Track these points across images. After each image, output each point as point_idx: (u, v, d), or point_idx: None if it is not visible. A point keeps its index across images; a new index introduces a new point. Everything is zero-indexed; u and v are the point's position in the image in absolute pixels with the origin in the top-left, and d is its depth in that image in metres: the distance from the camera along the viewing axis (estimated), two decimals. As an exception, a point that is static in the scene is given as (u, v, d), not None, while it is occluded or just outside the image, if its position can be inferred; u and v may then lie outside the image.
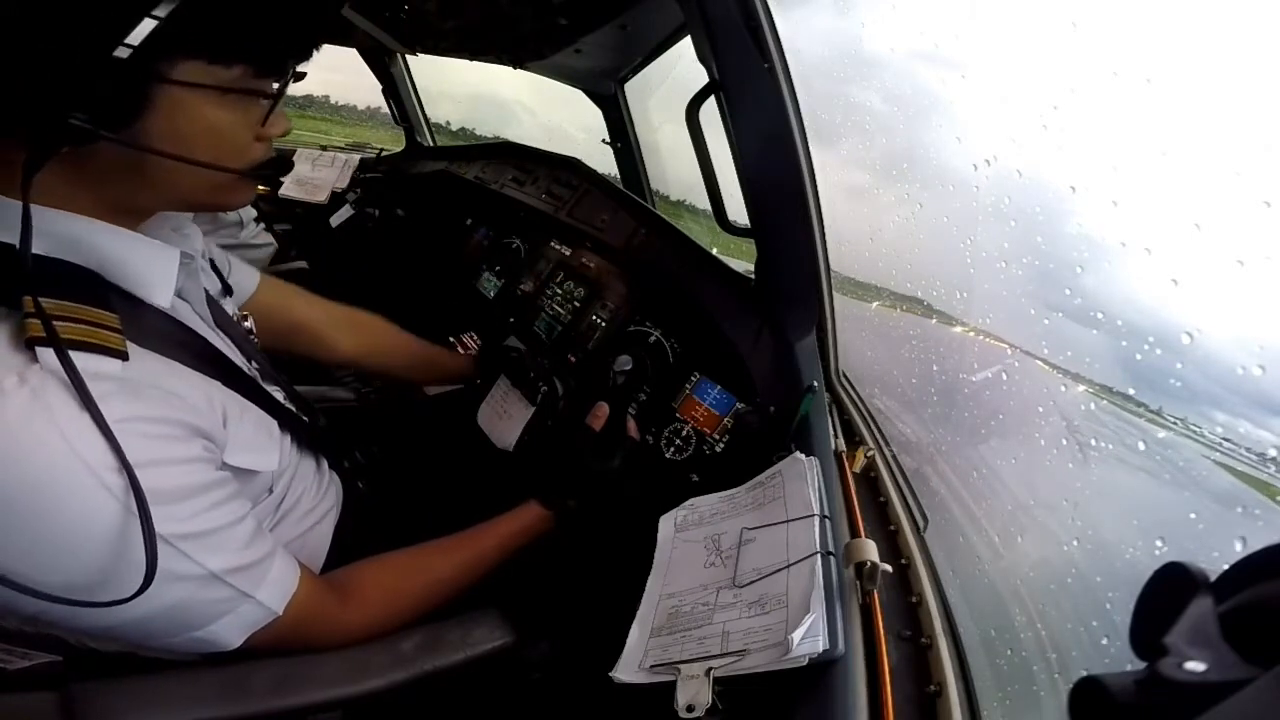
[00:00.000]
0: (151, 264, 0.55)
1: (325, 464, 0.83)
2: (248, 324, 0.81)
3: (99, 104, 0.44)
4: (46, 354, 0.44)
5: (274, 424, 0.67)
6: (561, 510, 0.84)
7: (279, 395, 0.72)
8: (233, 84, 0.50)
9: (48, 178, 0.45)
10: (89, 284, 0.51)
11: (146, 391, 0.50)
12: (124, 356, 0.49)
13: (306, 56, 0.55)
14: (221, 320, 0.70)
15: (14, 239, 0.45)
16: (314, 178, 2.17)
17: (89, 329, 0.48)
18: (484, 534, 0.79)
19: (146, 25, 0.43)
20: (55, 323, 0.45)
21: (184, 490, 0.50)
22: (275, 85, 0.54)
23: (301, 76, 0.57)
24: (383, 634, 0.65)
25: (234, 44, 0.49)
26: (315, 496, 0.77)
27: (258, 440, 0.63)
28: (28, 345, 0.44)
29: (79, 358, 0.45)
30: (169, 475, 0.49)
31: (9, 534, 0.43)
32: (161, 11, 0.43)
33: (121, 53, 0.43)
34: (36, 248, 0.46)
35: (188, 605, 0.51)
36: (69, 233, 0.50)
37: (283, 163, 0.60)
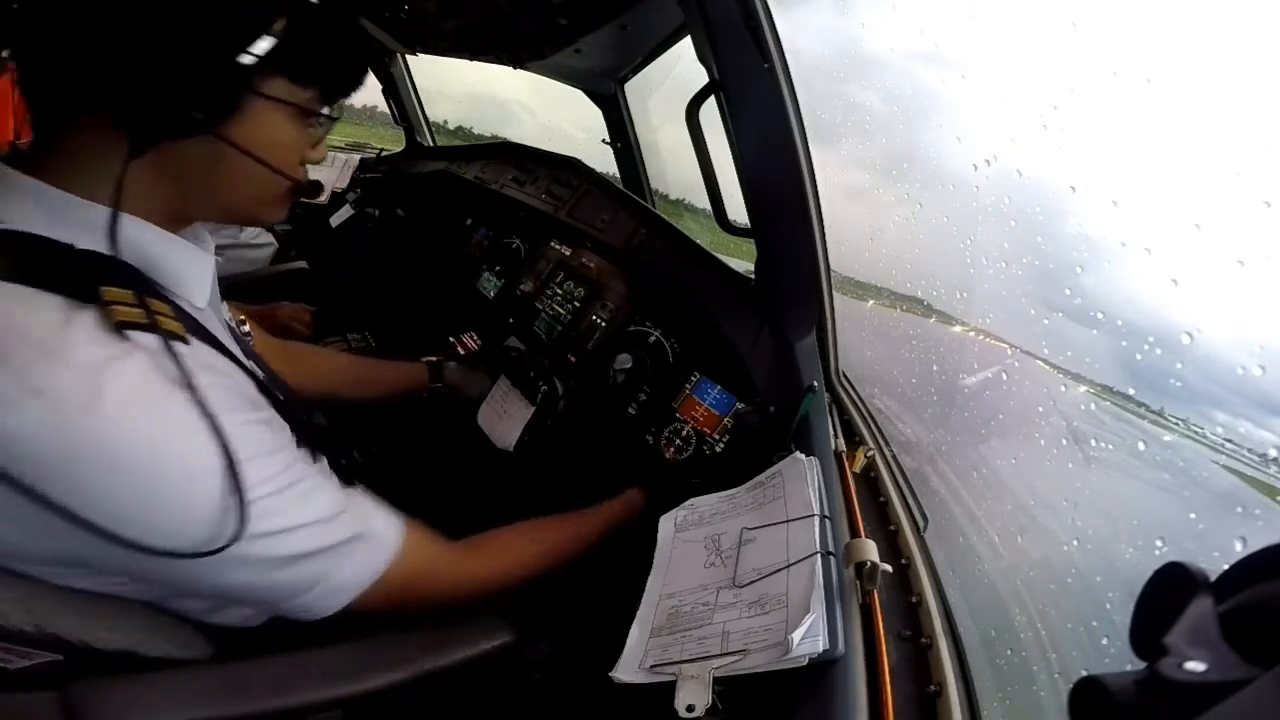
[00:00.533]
0: (191, 267, 0.59)
1: (324, 463, 0.83)
2: (245, 328, 0.81)
3: (207, 104, 0.50)
4: (140, 336, 0.48)
5: (283, 422, 0.68)
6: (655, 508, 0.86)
7: (279, 395, 0.72)
8: (305, 104, 0.56)
9: (127, 178, 0.49)
10: (138, 279, 0.54)
11: (213, 367, 0.54)
12: (187, 341, 0.52)
13: (360, 85, 0.63)
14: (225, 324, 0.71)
15: (72, 239, 0.49)
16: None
17: (160, 317, 0.51)
18: (594, 515, 0.86)
19: (266, 40, 0.50)
20: (131, 309, 0.49)
21: (273, 445, 0.55)
22: (330, 111, 0.60)
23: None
24: (494, 592, 0.71)
25: (315, 68, 0.56)
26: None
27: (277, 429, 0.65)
28: (118, 329, 0.47)
29: (159, 340, 0.49)
30: (259, 433, 0.53)
31: (139, 499, 0.46)
32: (278, 29, 0.51)
33: (245, 59, 0.50)
34: (91, 243, 0.50)
35: (316, 553, 0.55)
36: (123, 232, 0.52)
37: (316, 186, 0.65)
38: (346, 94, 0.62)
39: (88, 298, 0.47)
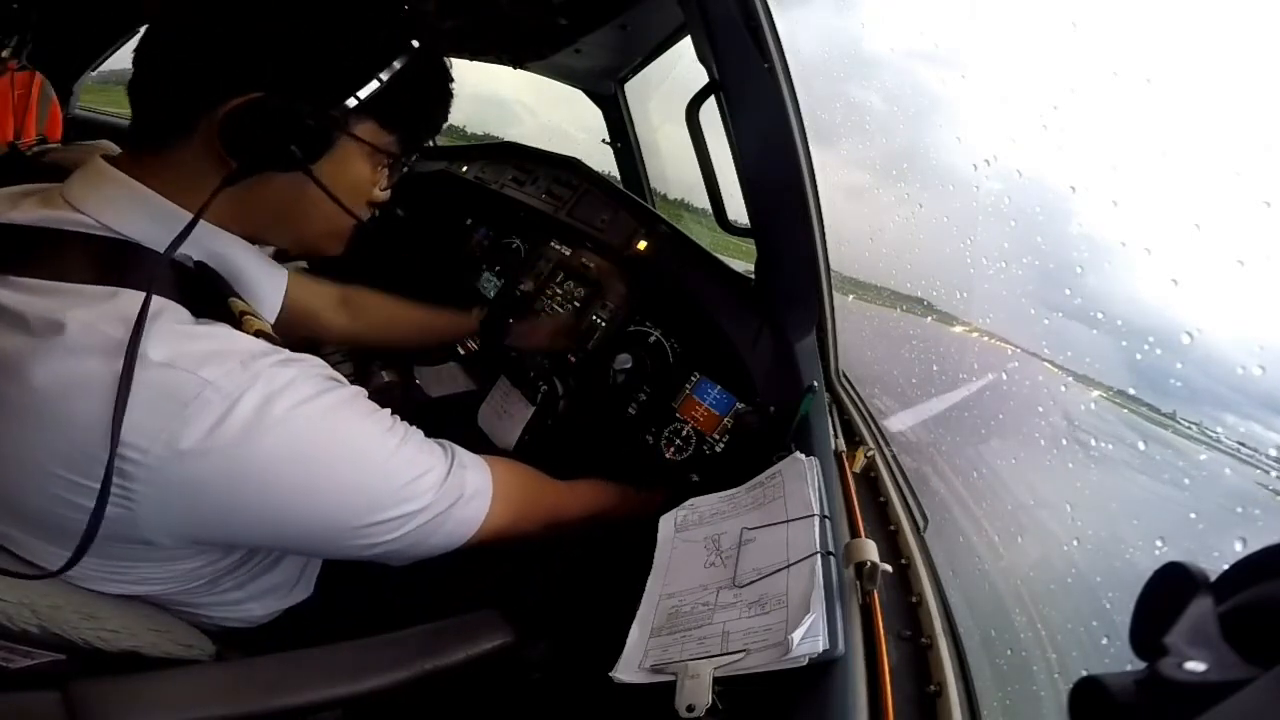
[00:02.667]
0: (268, 283, 0.60)
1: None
2: None
3: (308, 142, 0.51)
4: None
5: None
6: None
7: None
8: (385, 147, 0.57)
9: (219, 197, 0.50)
10: (231, 292, 0.56)
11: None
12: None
13: (437, 133, 0.65)
14: None
15: (182, 255, 0.50)
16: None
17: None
18: (634, 496, 0.86)
19: (372, 85, 0.52)
20: (256, 319, 0.53)
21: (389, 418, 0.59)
22: (404, 157, 0.61)
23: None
24: (567, 527, 0.75)
25: (404, 115, 0.57)
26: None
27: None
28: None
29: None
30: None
31: (347, 491, 0.52)
32: (384, 75, 0.53)
33: (350, 103, 0.51)
34: (193, 252, 0.52)
35: (447, 481, 0.59)
36: (217, 246, 0.55)
37: (374, 220, 0.66)
38: (426, 141, 0.63)
39: (219, 314, 0.50)
